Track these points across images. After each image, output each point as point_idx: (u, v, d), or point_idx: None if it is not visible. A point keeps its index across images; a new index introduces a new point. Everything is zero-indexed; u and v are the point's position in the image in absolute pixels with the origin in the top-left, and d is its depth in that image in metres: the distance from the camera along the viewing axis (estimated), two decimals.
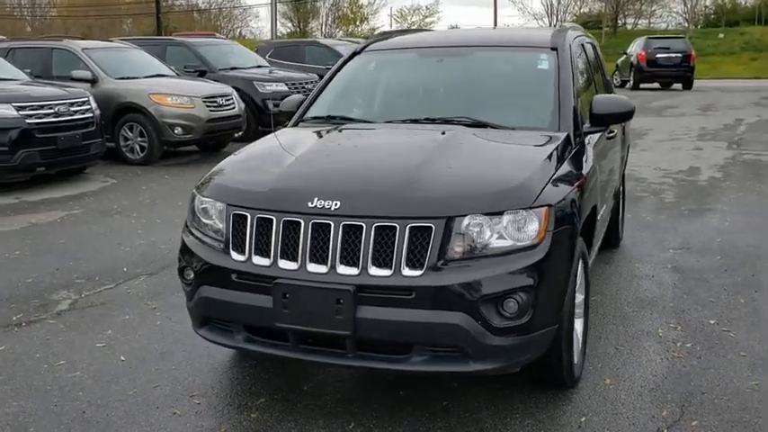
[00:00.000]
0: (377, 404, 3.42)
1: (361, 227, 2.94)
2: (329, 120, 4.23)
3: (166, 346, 4.20)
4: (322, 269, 2.98)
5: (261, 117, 13.03)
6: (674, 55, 23.04)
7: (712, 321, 4.36)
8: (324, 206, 3.00)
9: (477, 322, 2.87)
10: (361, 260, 2.93)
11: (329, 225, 2.98)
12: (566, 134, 3.70)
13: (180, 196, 8.43)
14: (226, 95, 11.24)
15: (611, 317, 4.46)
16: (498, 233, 2.94)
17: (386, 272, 2.91)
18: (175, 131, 10.51)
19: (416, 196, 2.98)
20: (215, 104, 10.93)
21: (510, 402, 3.41)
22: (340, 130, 3.78)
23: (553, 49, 4.25)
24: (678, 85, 24.04)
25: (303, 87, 13.46)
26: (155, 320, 4.60)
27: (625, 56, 25.48)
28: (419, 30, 5.35)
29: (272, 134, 4.12)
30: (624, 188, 6.23)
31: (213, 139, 11.53)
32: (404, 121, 3.97)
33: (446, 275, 2.88)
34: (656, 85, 24.44)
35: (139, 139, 10.57)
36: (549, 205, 3.02)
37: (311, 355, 3.11)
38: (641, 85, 24.05)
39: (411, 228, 2.90)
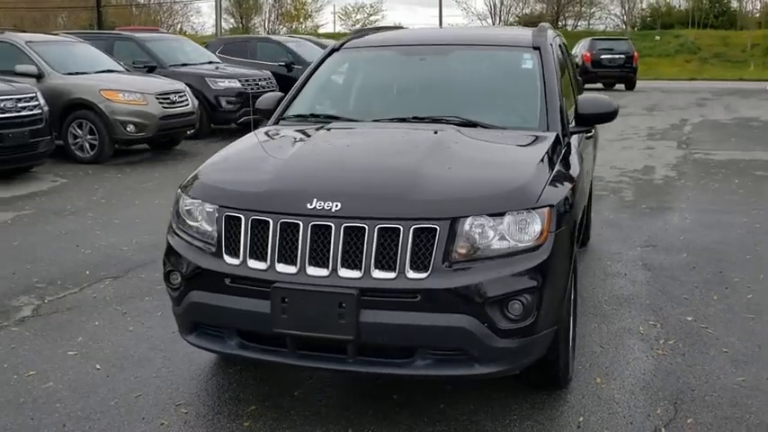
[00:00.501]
0: (372, 409, 3.35)
1: (364, 229, 2.86)
2: (312, 118, 4.14)
3: (143, 352, 4.03)
4: (322, 272, 2.89)
5: (214, 114, 12.79)
6: (617, 56, 23.59)
7: (689, 318, 4.44)
8: (324, 207, 2.92)
9: (484, 325, 2.83)
10: (364, 263, 2.85)
11: (330, 227, 2.89)
12: (555, 134, 3.70)
13: (135, 195, 8.18)
14: (179, 92, 10.96)
15: (591, 315, 4.49)
16: (501, 234, 2.91)
17: (390, 274, 2.84)
18: (128, 129, 10.19)
19: (420, 197, 2.91)
20: (168, 101, 10.65)
21: (506, 404, 3.38)
22: (328, 129, 3.68)
23: (535, 48, 4.25)
24: (621, 86, 24.61)
25: (257, 84, 13.26)
26: (126, 326, 4.42)
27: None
28: (395, 28, 5.25)
29: (255, 133, 4.01)
30: (591, 187, 6.31)
31: (166, 137, 11.23)
32: (391, 120, 3.91)
33: (452, 278, 2.83)
34: (600, 85, 24.97)
35: (89, 136, 10.20)
36: (551, 206, 3.00)
37: (310, 361, 3.02)
38: (586, 86, 24.47)
39: (415, 229, 2.84)
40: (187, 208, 3.30)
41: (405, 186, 2.96)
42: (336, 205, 2.91)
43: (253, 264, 2.99)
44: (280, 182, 3.12)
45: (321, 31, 57.26)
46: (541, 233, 2.94)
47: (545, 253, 2.94)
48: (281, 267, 2.95)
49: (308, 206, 2.94)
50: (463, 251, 2.87)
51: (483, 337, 2.84)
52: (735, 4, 51.90)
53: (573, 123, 4.03)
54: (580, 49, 24.80)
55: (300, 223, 2.93)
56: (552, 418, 3.27)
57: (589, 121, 3.98)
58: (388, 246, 2.85)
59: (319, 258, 2.91)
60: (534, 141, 3.58)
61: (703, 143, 11.76)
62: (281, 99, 4.43)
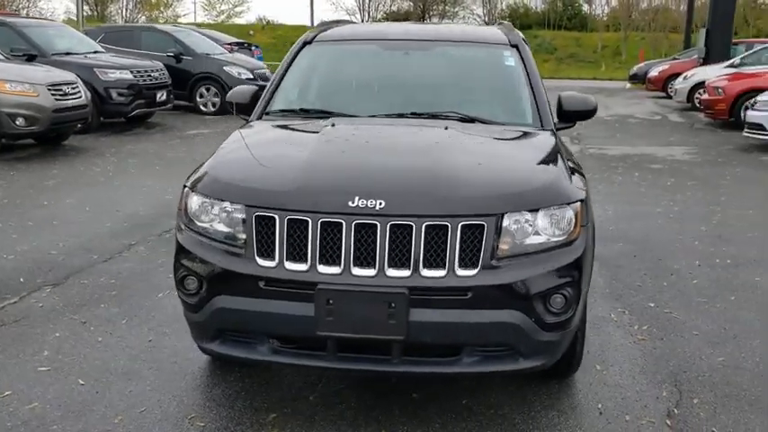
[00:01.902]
0: (397, 409, 3.31)
1: (411, 226, 2.81)
2: (302, 113, 4.01)
3: (124, 363, 3.75)
4: (369, 272, 2.82)
5: (103, 107, 12.06)
6: None
7: (651, 304, 4.71)
8: (367, 205, 2.83)
9: (531, 319, 2.87)
10: (412, 261, 2.80)
11: (375, 225, 2.82)
12: (550, 131, 3.81)
13: (40, 195, 7.56)
14: (71, 83, 10.24)
15: None
16: (539, 229, 2.95)
17: (439, 272, 2.81)
18: (17, 122, 9.40)
19: (466, 194, 2.90)
20: (60, 93, 9.93)
21: (524, 396, 3.44)
22: (333, 125, 3.57)
23: (513, 45, 4.34)
24: None
25: (150, 76, 12.64)
26: (93, 337, 4.10)
27: None
28: (348, 22, 5.17)
29: (251, 127, 3.82)
30: None
31: (55, 132, 10.44)
32: (388, 116, 3.85)
33: (500, 274, 2.84)
34: None
35: None
36: (581, 200, 3.08)
37: (351, 364, 2.93)
38: None
39: (463, 226, 2.82)
40: (199, 207, 3.11)
41: (448, 183, 2.93)
42: (380, 203, 2.83)
43: (291, 265, 2.86)
44: (314, 179, 3.00)
45: (182, 20, 55.24)
46: (575, 227, 3.01)
47: (581, 247, 3.02)
48: (323, 268, 2.84)
49: (350, 204, 2.84)
50: (506, 247, 2.89)
51: (530, 332, 2.88)
52: (585, 8, 55.26)
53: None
54: None
55: (343, 222, 2.83)
56: (573, 407, 3.37)
57: (572, 117, 4.11)
58: (435, 243, 2.82)
59: (363, 258, 2.83)
60: (539, 138, 3.66)
61: (594, 138, 12.46)
62: (255, 93, 4.26)
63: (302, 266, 2.85)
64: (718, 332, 4.25)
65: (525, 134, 3.72)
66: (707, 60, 17.98)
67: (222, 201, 3.05)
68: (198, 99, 14.87)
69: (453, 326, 2.82)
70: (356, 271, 2.82)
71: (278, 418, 3.22)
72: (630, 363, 3.83)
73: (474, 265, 2.82)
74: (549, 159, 3.32)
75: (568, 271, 2.95)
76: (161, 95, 12.91)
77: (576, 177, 3.29)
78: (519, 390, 3.49)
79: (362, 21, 54.87)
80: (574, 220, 3.01)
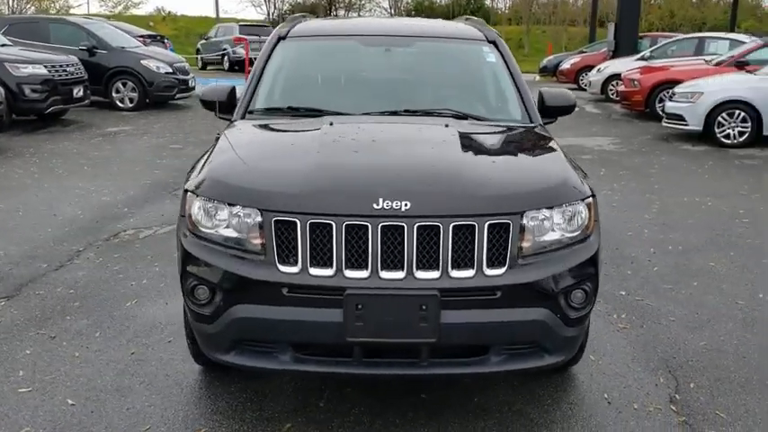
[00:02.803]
0: (411, 412, 3.27)
1: (438, 227, 2.77)
2: (290, 111, 3.88)
3: (112, 379, 3.55)
4: (398, 275, 2.76)
5: (16, 104, 11.33)
6: None
7: (623, 293, 4.86)
8: (392, 207, 2.77)
9: (557, 316, 2.89)
10: (441, 262, 2.77)
11: (402, 227, 2.76)
12: (539, 126, 3.86)
13: None
14: None
15: None
16: (558, 226, 2.97)
17: (468, 273, 2.78)
18: None
19: (490, 192, 2.88)
20: None
21: (533, 390, 3.48)
22: (331, 124, 3.47)
23: (491, 41, 4.36)
24: None
25: (65, 71, 11.98)
26: (68, 352, 3.85)
27: None
28: (313, 16, 5.05)
29: (238, 127, 3.67)
30: None
31: None
32: (382, 114, 3.79)
33: (527, 272, 2.85)
34: None
35: None
36: (593, 196, 3.13)
37: (378, 369, 2.87)
38: None
39: (489, 225, 2.81)
40: (204, 212, 2.96)
41: (472, 181, 2.91)
42: (406, 204, 2.78)
43: (316, 271, 2.77)
44: (334, 181, 2.90)
45: (75, 12, 52.67)
46: (590, 223, 3.06)
47: (596, 242, 3.07)
48: (350, 273, 2.76)
49: (375, 206, 2.78)
50: (527, 245, 2.90)
51: (556, 328, 2.90)
52: (488, 2, 56.55)
53: None
54: None
55: (369, 225, 2.76)
56: (582, 398, 3.43)
57: (553, 113, 4.17)
58: (462, 243, 2.80)
59: (391, 261, 2.77)
60: (536, 134, 3.69)
61: None
62: (232, 90, 4.10)
63: (328, 271, 2.77)
64: (692, 317, 4.43)
65: (523, 131, 3.74)
66: (616, 53, 18.74)
67: (232, 205, 2.92)
68: (114, 94, 14.21)
69: (483, 326, 2.80)
70: (384, 274, 2.76)
71: (293, 428, 3.13)
72: (620, 351, 3.94)
73: (501, 265, 2.82)
74: (556, 156, 3.36)
75: (587, 266, 2.99)
76: (77, 91, 12.27)
77: (579, 173, 3.34)
78: (525, 385, 3.52)
79: (269, 13, 54.16)
80: (588, 215, 3.05)
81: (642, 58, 15.97)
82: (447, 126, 3.51)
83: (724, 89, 10.77)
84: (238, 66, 26.42)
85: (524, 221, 2.87)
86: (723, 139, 10.71)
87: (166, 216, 6.72)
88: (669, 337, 4.14)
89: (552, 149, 3.45)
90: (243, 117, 3.87)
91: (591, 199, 3.09)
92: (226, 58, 26.64)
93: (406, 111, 3.80)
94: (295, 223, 2.79)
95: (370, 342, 2.77)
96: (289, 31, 4.38)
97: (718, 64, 13.16)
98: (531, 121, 3.91)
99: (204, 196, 2.99)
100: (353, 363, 2.85)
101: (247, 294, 2.83)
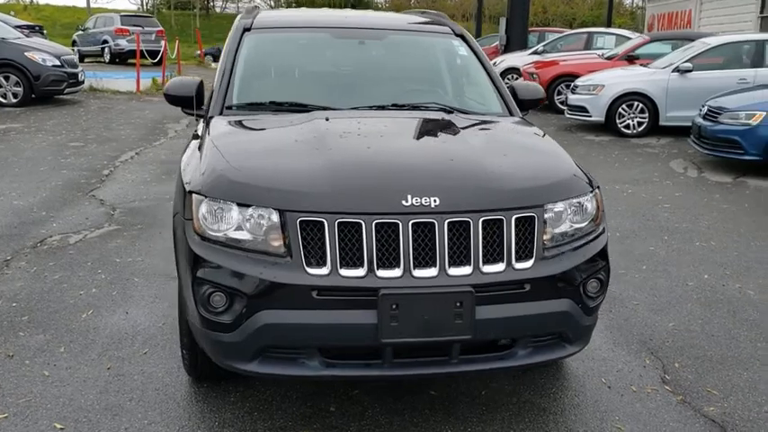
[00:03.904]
0: (426, 409, 3.23)
1: (468, 223, 2.74)
2: (273, 106, 3.71)
3: (95, 398, 3.28)
4: (431, 272, 2.71)
5: None
6: None
7: None
8: (422, 203, 2.72)
9: (579, 306, 2.93)
10: (473, 258, 2.74)
11: (433, 224, 2.71)
12: (522, 118, 3.91)
13: None
14: None
15: None
16: (572, 218, 3.02)
17: (498, 267, 2.77)
18: None
19: (515, 186, 2.88)
20: None
21: (533, 379, 3.52)
22: (327, 119, 3.35)
23: (458, 35, 4.36)
24: None
25: None
26: (35, 371, 3.53)
27: None
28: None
29: (223, 123, 3.46)
30: None
31: None
32: (370, 108, 3.70)
33: (552, 264, 2.87)
34: None
35: None
36: (598, 187, 3.20)
37: (408, 369, 2.81)
38: None
39: (516, 219, 2.81)
40: (213, 213, 2.79)
41: (497, 176, 2.89)
42: (435, 200, 2.73)
43: (346, 272, 2.67)
44: (358, 179, 2.80)
45: None
46: (598, 213, 3.13)
47: (605, 232, 3.15)
48: (382, 272, 2.68)
49: (404, 203, 2.71)
50: (548, 237, 2.92)
51: (578, 318, 2.94)
52: None
53: None
54: None
55: (399, 222, 2.69)
56: (583, 384, 3.51)
57: (525, 106, 4.23)
58: (491, 238, 2.78)
59: (422, 258, 2.72)
60: (528, 126, 3.73)
61: None
62: (200, 85, 3.89)
63: (359, 272, 2.67)
64: (653, 300, 4.65)
65: (515, 123, 3.77)
66: (508, 48, 19.33)
67: (244, 206, 2.76)
68: None
69: (514, 320, 2.80)
70: (417, 272, 2.70)
71: (316, 430, 3.02)
72: (600, 336, 4.06)
73: (528, 258, 2.83)
74: (558, 148, 3.40)
75: (601, 256, 3.05)
76: None
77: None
78: (525, 375, 3.56)
79: (143, 3, 52.06)
80: (597, 207, 3.12)
81: (536, 53, 16.56)
82: (443, 120, 3.48)
83: (623, 82, 11.36)
84: (119, 58, 25.25)
85: (546, 214, 2.89)
86: (624, 129, 11.31)
87: (92, 219, 6.31)
88: (639, 320, 4.32)
89: (550, 142, 3.50)
90: (221, 113, 3.67)
91: (597, 191, 3.16)
92: (107, 50, 25.32)
93: (393, 105, 3.74)
94: (322, 223, 2.68)
95: (406, 342, 2.71)
96: (252, 23, 4.20)
97: (609, 58, 13.86)
98: (512, 114, 3.95)
99: (213, 197, 2.81)
100: (385, 365, 2.77)
101: (274, 299, 2.68)
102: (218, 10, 61.79)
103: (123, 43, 24.71)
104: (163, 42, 21.42)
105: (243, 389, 3.36)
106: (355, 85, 3.95)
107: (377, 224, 2.68)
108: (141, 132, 11.36)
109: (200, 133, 3.64)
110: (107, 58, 25.42)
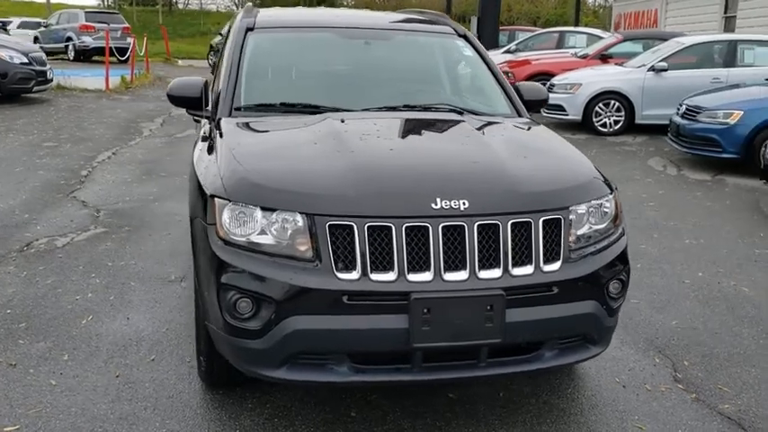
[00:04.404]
0: (447, 412, 3.21)
1: (497, 225, 2.73)
2: (284, 107, 3.66)
3: (108, 407, 3.20)
4: (461, 276, 2.69)
5: None
6: None
7: None
8: (451, 206, 2.70)
9: (603, 307, 2.94)
10: (502, 260, 2.74)
11: (462, 227, 2.70)
12: (532, 119, 3.92)
13: None
14: None
15: None
16: (594, 219, 3.03)
17: (527, 270, 2.76)
18: None
19: (542, 188, 2.87)
20: None
21: (548, 380, 3.52)
22: (343, 121, 3.31)
23: (461, 35, 4.36)
24: None
25: None
26: (41, 380, 3.43)
27: (220, 36, 25.79)
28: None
29: (236, 125, 3.40)
30: None
31: None
32: (380, 109, 3.67)
33: (577, 266, 2.87)
34: None
35: None
36: (616, 189, 3.22)
37: (437, 374, 2.79)
38: None
39: (543, 221, 2.81)
40: (236, 218, 2.74)
41: (520, 178, 2.89)
42: (464, 203, 2.72)
43: (377, 276, 2.64)
44: (387, 182, 2.77)
45: None
46: (617, 214, 3.15)
47: (624, 233, 3.17)
48: (413, 276, 2.66)
49: (434, 206, 2.69)
50: (573, 239, 2.93)
51: (602, 319, 2.96)
52: None
53: None
54: None
55: (429, 226, 2.67)
56: (599, 384, 3.52)
57: (531, 106, 4.24)
58: (520, 240, 2.78)
59: (452, 261, 2.70)
60: (541, 127, 3.74)
61: None
62: (205, 86, 3.82)
63: (390, 276, 2.65)
64: (652, 298, 4.70)
65: (527, 124, 3.77)
66: None
67: (268, 209, 2.72)
68: None
69: (543, 322, 2.80)
70: (448, 276, 2.68)
71: None
72: None
73: (555, 260, 2.83)
74: (575, 150, 3.41)
75: (622, 257, 3.07)
76: None
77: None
78: (542, 375, 3.56)
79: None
80: (616, 208, 3.13)
81: (508, 51, 16.67)
82: (459, 121, 3.47)
83: (600, 81, 11.49)
84: (83, 56, 24.76)
85: (571, 216, 2.90)
86: (600, 128, 11.44)
87: (77, 222, 6.17)
88: (643, 318, 4.36)
89: (565, 143, 3.51)
90: (230, 114, 3.60)
91: (615, 192, 3.18)
92: (71, 47, 24.80)
93: (405, 106, 3.71)
94: (351, 227, 2.64)
95: (437, 347, 2.69)
96: (255, 22, 4.13)
97: (582, 57, 14.01)
98: (520, 114, 3.95)
99: (236, 201, 2.76)
100: (414, 369, 2.74)
101: (303, 305, 2.64)
102: (180, 6, 61.17)
103: (88, 40, 24.21)
104: (129, 39, 21.06)
105: (259, 395, 3.31)
106: (365, 86, 3.91)
107: (407, 228, 2.66)
108: (115, 132, 11.15)
109: (207, 134, 3.58)
110: (71, 55, 24.91)
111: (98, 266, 5.05)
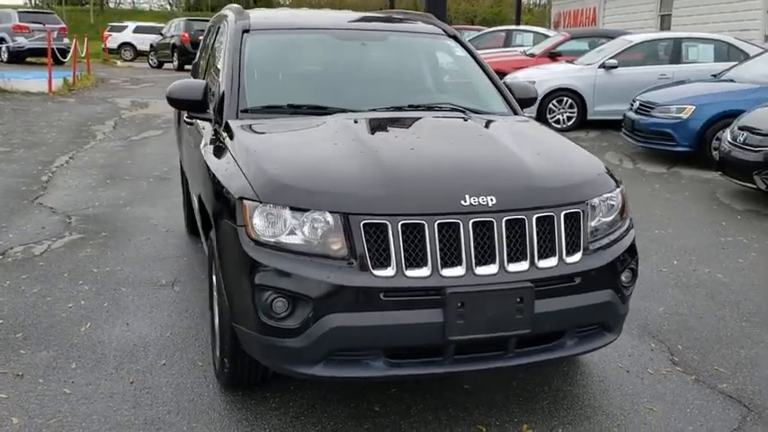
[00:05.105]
0: (466, 402, 3.30)
1: (523, 220, 2.84)
2: (291, 109, 3.68)
3: (131, 413, 3.18)
4: (491, 270, 2.79)
5: None
6: None
7: None
8: (480, 203, 2.79)
9: (618, 295, 3.09)
10: (529, 253, 2.84)
11: (491, 222, 2.79)
12: (528, 116, 4.04)
13: None
14: None
15: None
16: (604, 212, 3.16)
17: (552, 262, 2.88)
18: None
19: (562, 183, 2.99)
20: None
21: (555, 367, 3.65)
22: (356, 121, 3.37)
23: (451, 36, 4.46)
24: None
25: None
26: (54, 389, 3.38)
27: (161, 36, 25.36)
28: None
29: (250, 126, 3.41)
30: None
31: None
32: (387, 109, 3.73)
33: (597, 257, 3.00)
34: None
35: None
36: (621, 182, 3.37)
37: (467, 365, 2.87)
38: (185, 67, 24.27)
39: (565, 214, 2.93)
40: (267, 218, 2.78)
41: (541, 173, 3.00)
42: (492, 199, 2.81)
43: (411, 272, 2.71)
44: (416, 180, 2.84)
45: None
46: (625, 206, 3.30)
47: (632, 225, 3.32)
48: (446, 271, 2.74)
49: (463, 203, 2.78)
50: (589, 231, 3.06)
51: (618, 307, 3.10)
52: None
53: None
54: (174, 30, 24.37)
55: (460, 222, 2.76)
56: (604, 370, 3.67)
57: (521, 105, 4.36)
58: (544, 234, 2.89)
59: (482, 256, 2.80)
60: (540, 124, 3.87)
61: None
62: (206, 87, 3.81)
63: (424, 272, 2.72)
64: (636, 287, 4.86)
65: (528, 122, 3.89)
66: None
67: (301, 210, 2.76)
68: None
69: (566, 312, 2.92)
70: (479, 270, 2.77)
71: (372, 429, 3.04)
72: None
73: (576, 251, 2.95)
74: (578, 146, 3.55)
75: (632, 247, 3.22)
76: None
77: None
78: (550, 363, 3.69)
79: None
80: (623, 200, 3.28)
81: None
82: (466, 120, 3.57)
83: (554, 78, 11.79)
84: (17, 57, 23.93)
85: (588, 209, 3.02)
86: (554, 124, 11.73)
87: (50, 229, 6.03)
88: (631, 306, 4.47)
89: (566, 140, 3.64)
90: (236, 117, 3.61)
91: (622, 186, 3.33)
92: (4, 49, 23.93)
93: (410, 106, 3.79)
94: (385, 225, 2.71)
95: (471, 339, 2.77)
96: (250, 24, 4.13)
97: (531, 55, 14.33)
98: (515, 113, 4.07)
99: (268, 202, 2.79)
100: (446, 362, 2.83)
101: (341, 302, 2.69)
102: (112, 5, 59.76)
103: (23, 41, 23.42)
104: (67, 40, 20.48)
105: (280, 394, 3.34)
106: (368, 87, 3.97)
107: (439, 224, 2.74)
108: (68, 135, 10.88)
109: (215, 137, 3.58)
110: (5, 57, 24.03)
111: (83, 273, 4.96)
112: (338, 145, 3.15)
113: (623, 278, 3.14)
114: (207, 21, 26.39)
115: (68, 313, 4.28)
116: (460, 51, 4.36)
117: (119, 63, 26.79)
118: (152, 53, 25.78)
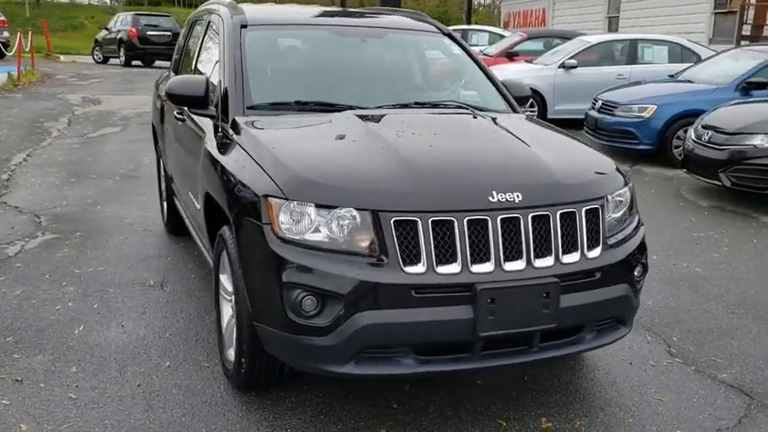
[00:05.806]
0: (482, 397, 3.32)
1: (548, 216, 2.88)
2: (298, 106, 3.64)
3: (144, 416, 3.10)
4: (519, 265, 2.81)
5: None
6: (163, 33, 23.41)
7: None
8: (507, 199, 2.82)
9: (632, 289, 3.16)
10: (554, 249, 2.88)
11: (518, 218, 2.82)
12: (527, 114, 4.09)
13: None
14: None
15: None
16: (617, 208, 3.23)
17: (574, 257, 2.92)
18: None
19: (582, 180, 3.04)
20: None
21: (563, 362, 3.71)
22: (368, 118, 3.35)
23: (446, 34, 4.48)
24: (163, 63, 24.44)
25: None
26: (58, 393, 3.27)
27: (106, 31, 24.72)
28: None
29: (262, 123, 3.35)
30: None
31: None
32: (394, 107, 3.72)
33: (615, 252, 3.06)
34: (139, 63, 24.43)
35: None
36: (630, 178, 3.45)
37: (494, 360, 2.90)
38: (132, 63, 23.73)
39: (586, 210, 2.98)
40: (293, 216, 2.75)
41: (561, 170, 3.03)
42: (517, 195, 2.84)
43: (442, 269, 2.72)
44: (443, 177, 2.85)
45: None
46: (634, 203, 3.37)
47: (640, 220, 3.40)
48: (476, 267, 2.75)
49: (491, 200, 2.80)
50: (606, 226, 3.12)
51: (632, 301, 3.17)
52: None
53: None
54: (121, 25, 23.77)
55: (488, 218, 2.78)
56: (608, 363, 3.74)
57: (518, 103, 4.41)
58: (567, 229, 2.93)
59: (509, 252, 2.82)
60: (541, 121, 3.92)
61: None
62: (207, 84, 3.74)
63: (454, 268, 2.73)
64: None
65: (530, 119, 3.94)
66: None
67: (328, 207, 2.74)
68: None
69: (588, 306, 2.97)
70: (508, 266, 2.80)
71: (391, 428, 3.03)
72: None
73: (596, 247, 3.01)
74: (584, 144, 3.61)
75: (643, 243, 3.29)
76: None
77: None
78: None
79: None
80: (632, 196, 3.36)
81: None
82: (474, 117, 3.59)
83: (514, 78, 11.92)
84: None
85: (606, 205, 3.08)
86: None
87: (20, 228, 5.83)
88: None
89: (573, 137, 3.70)
90: (243, 114, 3.55)
91: (630, 183, 3.41)
92: None
93: (416, 103, 3.79)
94: (415, 222, 2.71)
95: (501, 335, 2.79)
96: (247, 19, 4.06)
97: (488, 55, 14.49)
98: (515, 110, 4.12)
99: (295, 200, 2.75)
100: (474, 358, 2.84)
101: (373, 300, 2.68)
102: None
103: None
104: (6, 33, 19.76)
105: (296, 393, 3.30)
106: (373, 84, 3.95)
107: (468, 221, 2.75)
108: (21, 132, 10.51)
109: (219, 134, 3.52)
110: None
111: (66, 274, 4.81)
112: (357, 142, 3.13)
113: (636, 272, 3.21)
114: (156, 15, 25.94)
115: (57, 316, 4.14)
116: (456, 50, 4.38)
117: (62, 58, 25.94)
118: (96, 48, 25.07)
